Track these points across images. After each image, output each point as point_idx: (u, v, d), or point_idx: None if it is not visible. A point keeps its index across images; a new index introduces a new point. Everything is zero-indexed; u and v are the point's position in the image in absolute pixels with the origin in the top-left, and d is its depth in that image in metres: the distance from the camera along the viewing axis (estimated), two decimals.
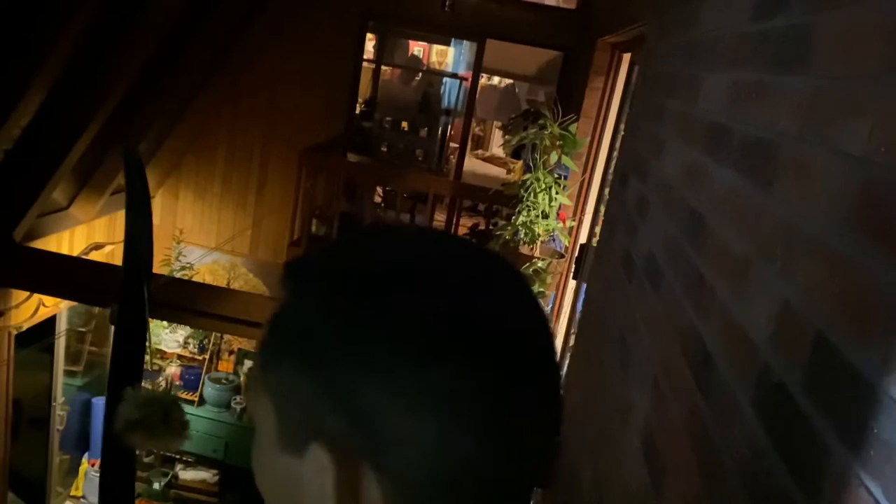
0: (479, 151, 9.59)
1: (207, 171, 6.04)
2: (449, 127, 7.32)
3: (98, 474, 5.11)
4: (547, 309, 3.53)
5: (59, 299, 4.60)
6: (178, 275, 5.41)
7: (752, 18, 1.03)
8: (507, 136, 6.58)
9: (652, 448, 1.11)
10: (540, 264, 3.32)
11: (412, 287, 0.42)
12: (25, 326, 4.44)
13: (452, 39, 8.33)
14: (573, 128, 3.36)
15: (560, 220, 3.44)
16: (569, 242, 3.56)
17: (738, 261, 0.87)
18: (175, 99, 5.14)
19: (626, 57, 3.41)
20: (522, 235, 3.40)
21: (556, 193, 3.35)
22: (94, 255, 5.14)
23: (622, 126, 3.22)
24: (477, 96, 6.52)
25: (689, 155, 1.26)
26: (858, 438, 0.52)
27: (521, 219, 3.39)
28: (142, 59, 4.01)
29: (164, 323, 5.51)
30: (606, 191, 3.05)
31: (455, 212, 5.42)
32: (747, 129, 0.95)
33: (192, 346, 5.88)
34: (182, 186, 6.11)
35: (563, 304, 3.61)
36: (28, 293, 4.32)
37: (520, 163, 6.34)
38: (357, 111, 6.14)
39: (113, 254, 5.30)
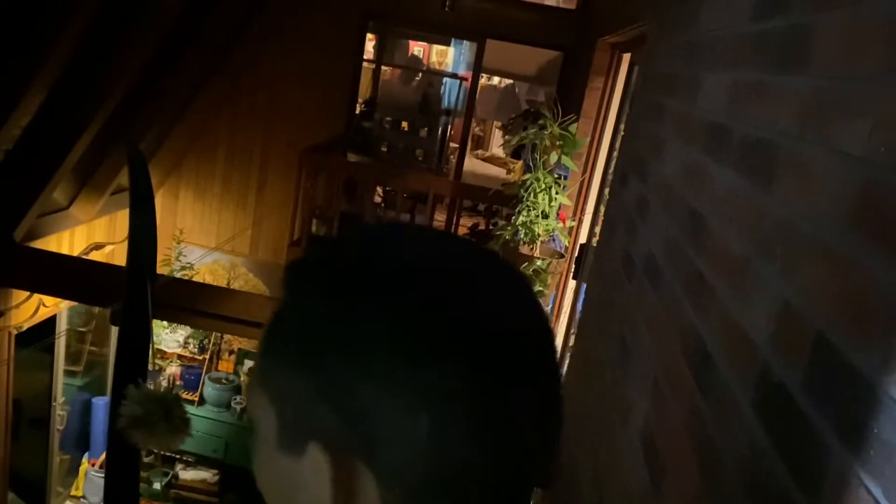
0: (479, 151, 9.59)
1: (207, 171, 6.04)
2: (449, 127, 7.32)
3: (98, 474, 5.13)
4: (547, 309, 3.53)
5: (59, 299, 4.60)
6: (178, 275, 5.41)
7: (752, 18, 1.03)
8: (507, 136, 6.58)
9: (652, 448, 1.11)
10: (540, 264, 3.32)
11: (410, 287, 0.42)
12: (25, 326, 4.44)
13: (452, 39, 8.33)
14: (573, 128, 3.36)
15: (560, 220, 3.44)
16: (569, 242, 3.56)
17: (738, 261, 0.87)
18: (175, 99, 5.13)
19: (626, 57, 3.41)
20: (522, 235, 3.40)
21: (556, 193, 3.34)
22: (94, 255, 5.14)
23: (622, 126, 3.22)
24: (477, 96, 6.52)
25: (689, 155, 1.26)
26: (858, 438, 0.52)
27: (521, 219, 3.39)
28: (142, 59, 4.01)
29: (165, 323, 5.51)
30: (606, 191, 3.05)
31: (455, 212, 5.42)
32: (747, 129, 0.95)
33: (192, 346, 5.89)
34: (182, 186, 6.11)
35: (563, 304, 3.61)
36: (28, 293, 4.32)
37: (520, 163, 6.34)
38: (357, 111, 6.14)
39: (113, 254, 5.30)
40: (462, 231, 5.59)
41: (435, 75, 8.18)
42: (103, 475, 5.02)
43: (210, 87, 5.55)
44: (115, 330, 5.02)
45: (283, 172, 5.76)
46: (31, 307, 4.41)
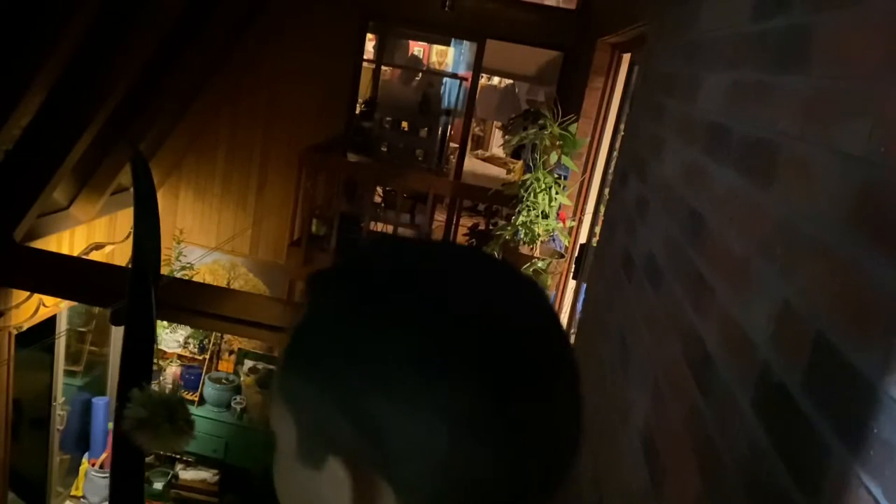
0: (479, 151, 9.60)
1: (207, 171, 6.04)
2: (449, 127, 7.32)
3: (98, 474, 5.13)
4: None
5: (59, 299, 4.60)
6: (178, 275, 5.41)
7: (752, 18, 1.03)
8: (507, 136, 6.58)
9: (652, 448, 1.11)
10: (540, 264, 3.32)
11: (431, 303, 0.42)
12: (25, 326, 4.44)
13: (452, 39, 8.33)
14: (573, 128, 3.36)
15: (560, 220, 3.44)
16: (569, 242, 3.56)
17: (738, 261, 0.87)
18: (175, 99, 5.13)
19: (626, 57, 3.41)
20: (522, 235, 3.40)
21: (556, 193, 3.34)
22: (94, 255, 5.14)
23: (622, 126, 3.22)
24: (477, 96, 6.52)
25: (689, 155, 1.26)
26: (858, 438, 0.52)
27: (521, 219, 3.39)
28: (142, 59, 4.01)
29: (164, 323, 5.51)
30: (606, 191, 3.05)
31: (455, 212, 5.41)
32: (747, 129, 0.95)
33: (192, 346, 5.89)
34: (182, 186, 6.11)
35: (563, 304, 3.61)
36: (28, 293, 4.32)
37: (520, 163, 6.33)
38: (357, 111, 6.13)
39: (113, 254, 5.30)
40: (462, 231, 5.58)
41: (435, 75, 8.18)
42: (104, 475, 5.04)
43: (210, 87, 5.55)
44: (115, 330, 5.03)
45: (283, 172, 5.76)
46: (31, 307, 4.41)
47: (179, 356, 5.86)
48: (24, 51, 3.24)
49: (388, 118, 6.60)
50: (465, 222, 5.66)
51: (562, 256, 3.48)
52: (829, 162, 0.67)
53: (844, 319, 0.58)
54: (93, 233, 5.20)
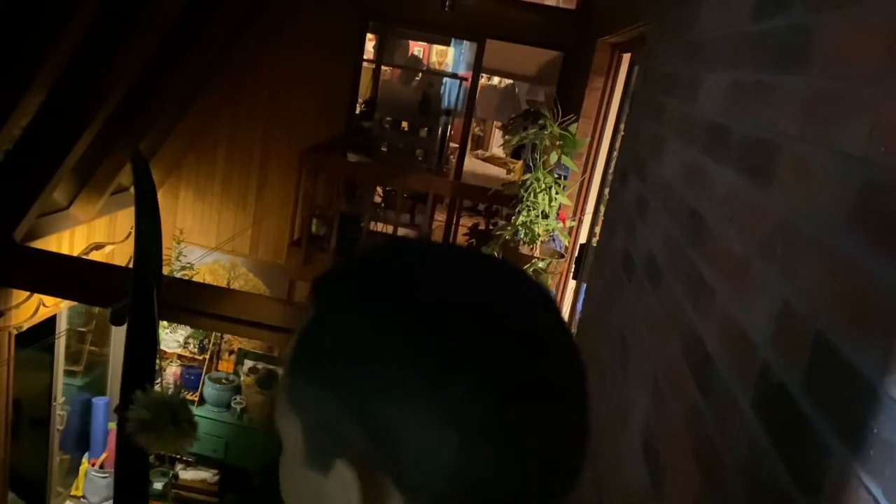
0: (479, 151, 9.60)
1: (207, 171, 6.04)
2: (449, 127, 7.32)
3: (98, 474, 5.13)
4: None
5: (59, 299, 4.60)
6: (178, 275, 5.41)
7: (752, 18, 1.03)
8: (507, 136, 6.58)
9: (652, 448, 1.11)
10: (540, 264, 3.32)
11: (438, 304, 0.42)
12: (25, 326, 4.44)
13: (452, 39, 8.33)
14: (573, 128, 3.36)
15: (560, 220, 3.44)
16: (569, 242, 3.56)
17: (738, 261, 0.87)
18: (175, 99, 5.13)
19: (626, 57, 3.41)
20: (522, 235, 3.40)
21: (556, 193, 3.34)
22: (94, 255, 5.14)
23: (622, 126, 3.22)
24: (477, 96, 6.52)
25: (689, 155, 1.26)
26: (858, 438, 0.52)
27: (521, 219, 3.39)
28: (142, 59, 4.01)
29: (165, 323, 5.51)
30: (606, 191, 3.05)
31: (455, 212, 5.42)
32: (747, 129, 0.95)
33: (192, 346, 5.89)
34: (182, 186, 6.11)
35: (563, 304, 3.61)
36: (28, 293, 4.32)
37: (520, 163, 6.34)
38: (357, 111, 6.13)
39: (113, 254, 5.30)
40: (462, 231, 5.58)
41: (435, 75, 8.18)
42: (104, 475, 5.04)
43: (210, 87, 5.55)
44: (115, 330, 5.03)
45: (283, 172, 5.76)
46: (31, 307, 4.41)
47: (179, 356, 5.86)
48: (24, 51, 3.24)
49: (388, 118, 6.60)
50: (465, 222, 5.67)
51: (562, 256, 3.48)
52: (829, 162, 0.67)
53: (844, 319, 0.58)
54: (93, 233, 5.20)
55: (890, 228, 0.53)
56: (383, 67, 7.21)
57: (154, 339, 2.83)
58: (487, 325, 0.42)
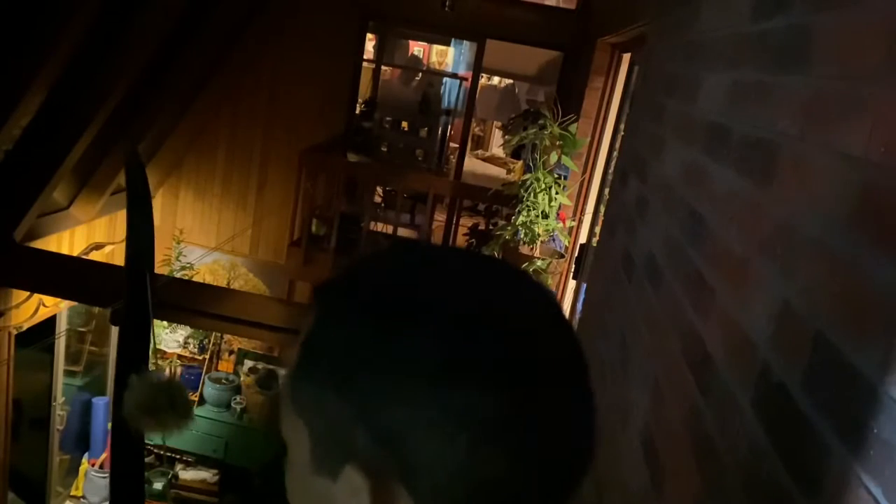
0: (479, 151, 9.59)
1: (207, 171, 6.04)
2: (449, 127, 7.32)
3: (98, 474, 5.13)
4: None
5: (59, 299, 4.60)
6: (178, 275, 5.41)
7: (752, 18, 1.03)
8: (507, 136, 6.58)
9: (652, 448, 1.11)
10: (540, 264, 3.32)
11: (442, 309, 0.42)
12: (25, 326, 4.44)
13: (452, 39, 8.33)
14: (573, 128, 3.36)
15: (560, 220, 3.44)
16: (569, 242, 3.56)
17: (738, 261, 0.87)
18: (175, 99, 5.13)
19: (626, 57, 3.41)
20: (522, 235, 3.40)
21: (556, 193, 3.34)
22: (94, 255, 5.14)
23: (622, 126, 3.22)
24: (477, 96, 6.52)
25: (689, 155, 1.26)
26: (858, 438, 0.52)
27: (521, 219, 3.39)
28: (142, 59, 4.01)
29: (164, 323, 5.51)
30: (606, 191, 3.05)
31: (455, 212, 5.41)
32: (747, 129, 0.95)
33: (192, 346, 5.89)
34: (182, 186, 6.11)
35: (563, 304, 3.61)
36: (28, 293, 4.32)
37: (520, 163, 6.33)
38: (357, 111, 6.13)
39: (113, 254, 5.30)
40: (462, 231, 5.58)
41: (435, 75, 8.18)
42: (104, 475, 5.04)
43: (210, 87, 5.55)
44: (115, 330, 5.02)
45: (283, 172, 5.76)
46: (31, 307, 4.41)
47: (179, 356, 5.86)
48: (24, 51, 3.24)
49: (388, 118, 6.60)
50: (465, 222, 5.66)
51: (562, 256, 3.48)
52: (829, 162, 0.67)
53: (844, 319, 0.58)
54: (93, 233, 5.20)
55: (890, 228, 0.53)
56: (383, 67, 7.21)
57: (147, 337, 2.81)
58: (489, 324, 0.42)
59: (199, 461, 5.55)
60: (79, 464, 5.41)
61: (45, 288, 4.12)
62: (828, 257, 0.64)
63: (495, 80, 9.18)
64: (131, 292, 2.77)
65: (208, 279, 5.89)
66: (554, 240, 3.45)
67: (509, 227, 3.55)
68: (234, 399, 5.64)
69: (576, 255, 3.49)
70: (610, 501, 1.35)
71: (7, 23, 3.14)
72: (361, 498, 0.41)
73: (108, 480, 4.71)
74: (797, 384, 0.63)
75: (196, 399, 5.61)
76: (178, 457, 5.51)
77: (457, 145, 6.92)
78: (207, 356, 5.84)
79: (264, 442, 5.15)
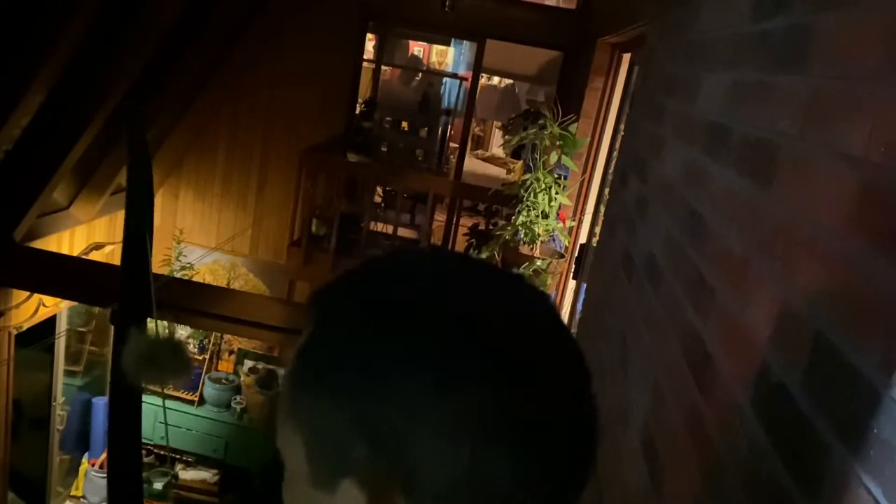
0: (479, 151, 9.59)
1: (207, 171, 6.04)
2: (449, 127, 7.32)
3: (98, 474, 5.13)
4: None
5: (59, 299, 4.60)
6: (178, 275, 5.41)
7: (752, 18, 1.03)
8: (507, 136, 6.58)
9: (652, 448, 1.11)
10: (540, 264, 3.32)
11: (439, 316, 0.42)
12: (25, 326, 4.44)
13: (452, 39, 8.33)
14: (573, 128, 3.36)
15: (560, 220, 3.45)
16: (569, 242, 3.56)
17: (738, 261, 0.87)
18: (175, 98, 5.14)
19: (626, 57, 3.41)
20: (522, 235, 3.40)
21: (556, 193, 3.35)
22: (94, 255, 5.14)
23: (622, 126, 3.22)
24: (477, 96, 6.52)
25: (689, 155, 1.26)
26: (858, 438, 0.52)
27: (521, 219, 3.39)
28: (142, 58, 4.01)
29: (164, 323, 5.50)
30: (606, 191, 3.05)
31: (455, 212, 5.41)
32: (747, 129, 0.95)
33: (192, 346, 5.89)
34: (182, 186, 6.11)
35: (563, 304, 3.61)
36: (28, 293, 4.32)
37: (520, 163, 6.33)
38: (357, 111, 6.13)
39: (113, 254, 5.30)
40: (462, 231, 5.58)
41: (435, 75, 8.18)
42: (104, 475, 5.03)
43: (210, 87, 5.56)
44: (115, 330, 5.02)
45: (283, 172, 5.76)
46: (31, 307, 4.41)
47: None
48: (24, 51, 3.24)
49: (388, 118, 6.60)
50: (465, 222, 5.66)
51: (562, 256, 3.48)
52: (829, 162, 0.67)
53: (844, 319, 0.58)
54: (93, 233, 5.20)
55: (889, 228, 0.53)
56: (383, 67, 7.21)
57: (147, 294, 2.75)
58: (489, 325, 0.42)
59: (200, 461, 5.55)
60: (79, 464, 5.41)
61: (45, 288, 4.12)
62: (828, 257, 0.64)
63: (495, 80, 9.18)
64: (126, 287, 2.76)
65: (208, 279, 5.89)
66: (554, 240, 3.46)
67: (509, 227, 3.55)
68: (235, 399, 5.64)
69: (576, 255, 3.49)
70: (610, 501, 1.35)
71: (7, 23, 3.14)
72: None
73: (105, 476, 4.71)
74: (797, 384, 0.63)
75: (196, 399, 5.61)
76: (178, 457, 5.51)
77: (457, 145, 6.92)
78: (207, 356, 5.84)
79: (264, 442, 5.14)
